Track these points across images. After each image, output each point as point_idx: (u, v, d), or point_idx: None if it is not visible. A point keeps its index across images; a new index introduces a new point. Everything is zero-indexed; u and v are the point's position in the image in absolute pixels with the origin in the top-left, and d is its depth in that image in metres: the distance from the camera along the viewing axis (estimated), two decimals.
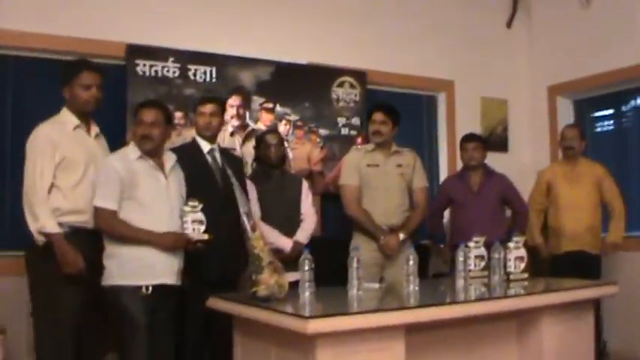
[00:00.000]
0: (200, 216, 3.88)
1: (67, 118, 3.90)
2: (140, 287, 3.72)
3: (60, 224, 3.74)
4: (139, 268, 3.72)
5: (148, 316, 3.71)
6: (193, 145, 4.42)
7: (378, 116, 4.91)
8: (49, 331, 3.76)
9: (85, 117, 3.96)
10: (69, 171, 3.79)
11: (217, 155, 4.41)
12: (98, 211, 3.72)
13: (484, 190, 5.42)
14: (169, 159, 3.99)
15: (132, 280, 3.72)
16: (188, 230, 3.87)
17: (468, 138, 5.56)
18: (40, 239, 3.71)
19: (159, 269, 3.78)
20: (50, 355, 3.77)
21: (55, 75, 4.83)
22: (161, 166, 3.90)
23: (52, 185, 3.75)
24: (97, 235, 3.81)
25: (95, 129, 4.05)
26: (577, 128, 5.91)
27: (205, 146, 4.39)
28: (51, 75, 4.87)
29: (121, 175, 3.72)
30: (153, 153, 3.88)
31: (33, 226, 3.70)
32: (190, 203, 3.89)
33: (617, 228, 5.63)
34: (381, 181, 4.94)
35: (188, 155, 4.24)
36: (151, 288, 3.73)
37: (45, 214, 3.69)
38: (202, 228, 3.89)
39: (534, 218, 5.79)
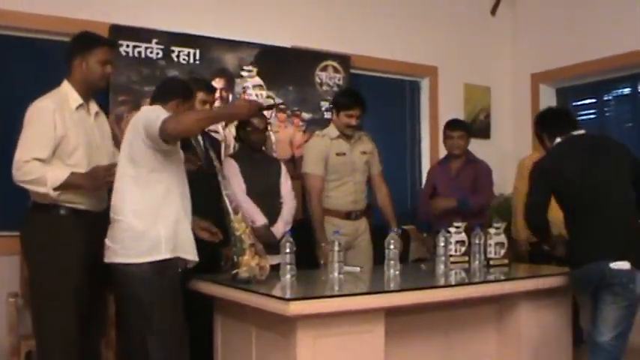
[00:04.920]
0: (259, 80, 3.64)
1: (69, 94, 3.74)
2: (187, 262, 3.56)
3: (58, 206, 3.64)
4: (186, 239, 3.54)
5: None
6: None
7: (357, 111, 4.90)
8: (50, 306, 3.64)
9: (88, 94, 3.83)
10: (68, 152, 3.65)
11: (199, 138, 4.40)
12: (169, 118, 3.31)
13: (461, 176, 5.43)
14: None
15: (181, 252, 3.50)
16: (252, 97, 3.61)
17: (454, 126, 5.52)
18: (55, 195, 3.56)
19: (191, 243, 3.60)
20: (52, 335, 3.65)
21: (38, 53, 4.84)
22: None
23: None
24: (99, 218, 3.70)
25: (94, 107, 3.92)
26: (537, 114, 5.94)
27: None
28: (33, 53, 4.86)
29: None
30: None
31: (44, 190, 3.53)
32: (246, 68, 3.61)
33: None
34: (348, 170, 4.96)
35: None
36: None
37: (49, 171, 3.55)
38: (264, 93, 3.62)
39: (520, 210, 5.80)
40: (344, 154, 4.93)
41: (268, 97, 3.55)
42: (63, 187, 3.57)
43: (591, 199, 3.85)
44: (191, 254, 3.56)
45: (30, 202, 3.72)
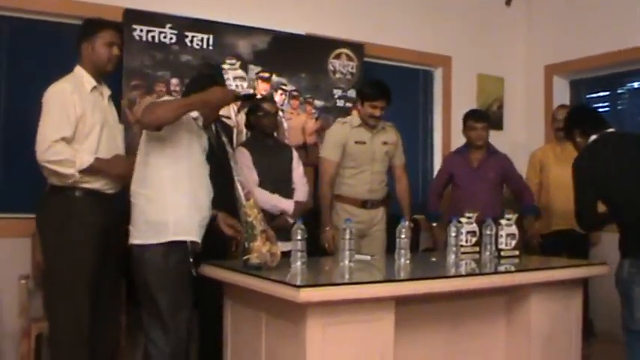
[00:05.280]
0: (241, 72, 3.85)
1: (83, 77, 3.85)
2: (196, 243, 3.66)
3: (74, 188, 3.74)
4: (188, 223, 3.62)
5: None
6: None
7: (381, 103, 4.90)
8: (63, 292, 3.73)
9: (99, 77, 3.94)
10: (84, 133, 3.75)
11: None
12: (145, 108, 3.51)
13: (484, 167, 5.41)
14: None
15: (186, 235, 3.60)
16: (231, 87, 3.81)
17: (478, 117, 5.52)
18: (78, 177, 3.69)
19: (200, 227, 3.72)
20: (63, 317, 3.74)
21: (52, 36, 4.84)
22: None
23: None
24: (114, 199, 3.88)
25: (107, 91, 4.04)
26: (569, 109, 5.91)
27: None
28: (47, 37, 4.86)
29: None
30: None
31: (71, 171, 3.65)
32: (228, 61, 3.86)
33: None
34: (367, 158, 4.97)
35: None
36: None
37: (78, 154, 3.68)
38: (245, 84, 3.83)
39: None
40: (364, 142, 4.93)
41: (250, 88, 3.76)
42: (88, 170, 3.70)
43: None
44: (196, 237, 3.67)
45: (47, 185, 3.79)
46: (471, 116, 5.54)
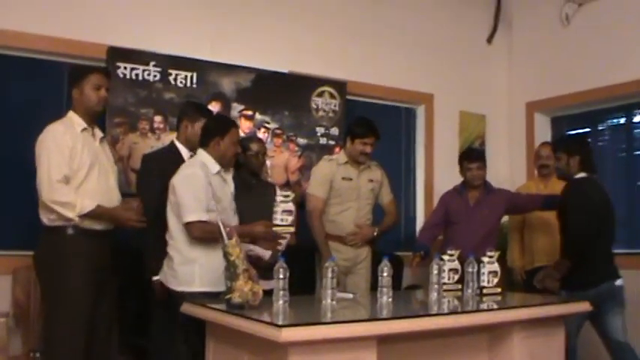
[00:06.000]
0: (291, 207, 4.03)
1: (74, 119, 3.97)
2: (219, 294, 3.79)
3: (66, 226, 3.84)
4: (217, 276, 3.76)
5: None
6: (173, 150, 4.41)
7: (372, 140, 4.98)
8: (59, 328, 3.82)
9: (91, 120, 4.05)
10: (74, 170, 3.84)
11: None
12: (193, 225, 3.86)
13: (480, 205, 5.36)
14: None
15: (213, 287, 3.85)
16: (277, 220, 4.02)
17: (472, 158, 5.47)
18: (78, 221, 3.81)
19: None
20: (59, 353, 3.83)
21: (34, 74, 4.85)
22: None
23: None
24: (107, 236, 3.98)
25: (99, 133, 4.14)
26: (551, 146, 5.93)
27: (185, 153, 4.38)
28: (30, 73, 4.87)
29: (205, 184, 3.91)
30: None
31: (71, 215, 3.77)
32: (283, 193, 4.05)
33: None
34: (352, 195, 5.01)
35: (169, 160, 4.24)
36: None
37: (79, 198, 3.80)
38: (290, 218, 4.03)
39: (514, 238, 5.82)
40: (350, 179, 4.97)
41: (290, 225, 4.09)
42: (87, 216, 3.83)
43: (606, 231, 4.69)
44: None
45: (43, 225, 3.88)
46: (465, 158, 5.49)
